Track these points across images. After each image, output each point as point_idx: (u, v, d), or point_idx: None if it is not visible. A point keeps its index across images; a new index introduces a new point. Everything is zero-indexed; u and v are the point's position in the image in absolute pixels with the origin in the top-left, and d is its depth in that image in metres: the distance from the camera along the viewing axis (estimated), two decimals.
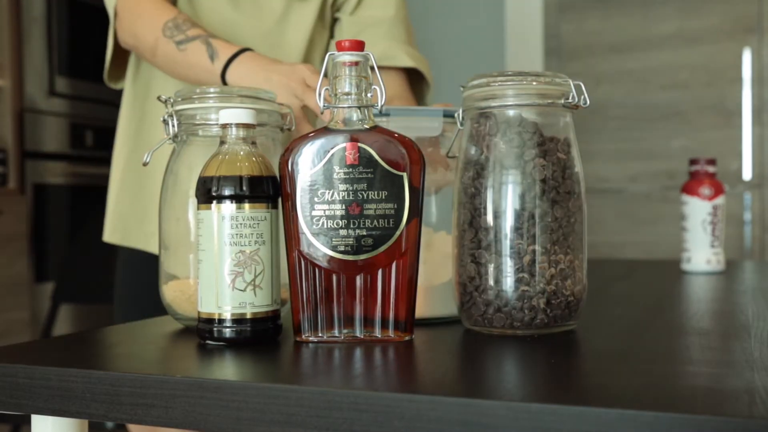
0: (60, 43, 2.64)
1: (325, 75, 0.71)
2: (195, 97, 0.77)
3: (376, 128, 0.68)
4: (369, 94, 0.68)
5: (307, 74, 1.03)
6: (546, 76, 0.72)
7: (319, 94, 0.69)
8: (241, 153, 0.69)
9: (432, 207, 0.82)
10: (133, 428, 1.17)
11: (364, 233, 0.67)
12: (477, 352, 0.66)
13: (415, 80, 1.32)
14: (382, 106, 0.69)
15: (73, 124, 2.67)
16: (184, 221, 0.78)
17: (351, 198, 0.67)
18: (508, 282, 0.70)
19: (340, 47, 0.68)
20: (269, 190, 0.68)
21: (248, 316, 0.67)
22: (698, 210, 1.33)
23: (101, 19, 1.27)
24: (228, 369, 0.60)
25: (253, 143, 0.70)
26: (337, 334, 0.68)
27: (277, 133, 0.82)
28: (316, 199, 0.67)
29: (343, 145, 0.67)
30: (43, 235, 2.57)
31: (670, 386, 0.52)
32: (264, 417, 0.53)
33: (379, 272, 0.67)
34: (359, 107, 0.68)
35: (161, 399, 0.55)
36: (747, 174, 2.77)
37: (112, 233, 1.30)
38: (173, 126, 0.78)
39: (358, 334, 0.68)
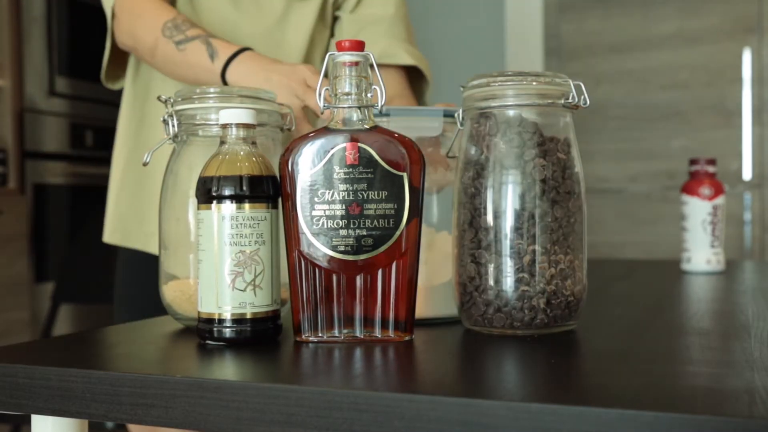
0: (60, 43, 2.64)
1: (326, 75, 0.71)
2: (195, 97, 0.77)
3: (376, 128, 0.68)
4: (369, 94, 0.68)
5: (307, 74, 1.03)
6: (546, 76, 0.72)
7: (320, 94, 0.69)
8: (241, 153, 0.69)
9: (433, 207, 0.82)
10: (133, 428, 1.17)
11: (364, 233, 0.67)
12: (477, 352, 0.66)
13: (414, 78, 1.32)
14: (382, 106, 0.69)
15: (73, 124, 2.67)
16: (184, 221, 0.78)
17: (351, 198, 0.67)
18: (508, 282, 0.70)
19: (340, 47, 0.68)
20: (269, 190, 0.68)
21: (248, 316, 0.67)
22: (698, 210, 1.33)
23: (101, 19, 1.27)
24: (228, 369, 0.60)
25: (253, 143, 0.70)
26: (337, 334, 0.68)
27: (277, 133, 0.82)
28: (316, 199, 0.67)
29: (343, 145, 0.67)
30: (43, 235, 2.57)
31: (670, 386, 0.52)
32: (264, 417, 0.53)
33: (379, 272, 0.67)
34: (359, 107, 0.68)
35: (161, 399, 0.55)
36: (747, 174, 2.77)
37: (112, 234, 1.30)
38: (173, 126, 0.78)
39: (358, 334, 0.68)
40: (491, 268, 0.71)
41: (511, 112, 0.72)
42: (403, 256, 0.67)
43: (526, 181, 0.71)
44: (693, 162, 1.37)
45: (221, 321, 0.67)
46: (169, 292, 0.78)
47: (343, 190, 0.67)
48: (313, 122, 1.20)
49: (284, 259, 0.69)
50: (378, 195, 0.67)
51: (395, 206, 0.67)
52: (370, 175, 0.66)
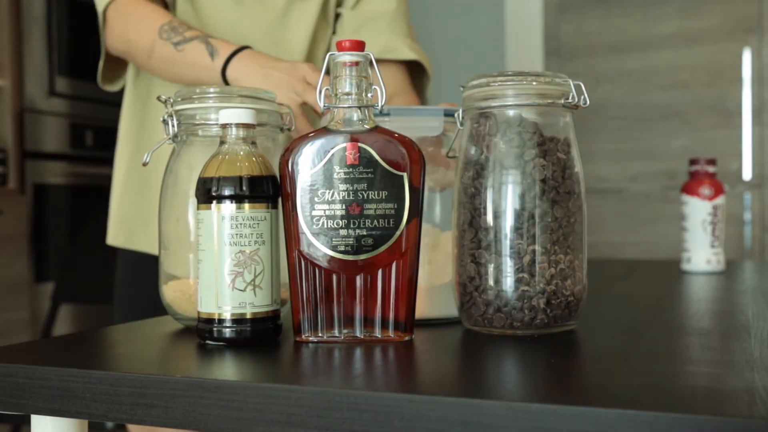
0: (60, 43, 2.64)
1: (327, 73, 0.71)
2: (195, 97, 0.77)
3: (376, 128, 0.68)
4: (369, 94, 0.68)
5: (307, 72, 1.03)
6: (546, 76, 0.72)
7: (320, 94, 0.69)
8: (241, 153, 0.69)
9: (437, 207, 0.82)
10: (133, 428, 1.17)
11: (364, 233, 0.67)
12: (477, 352, 0.66)
13: (416, 74, 1.32)
14: (382, 106, 0.69)
15: (73, 124, 2.67)
16: (184, 221, 0.78)
17: (351, 198, 0.67)
18: (508, 282, 0.70)
19: (340, 47, 0.68)
20: (269, 190, 0.68)
21: (248, 316, 0.67)
22: (698, 210, 1.33)
23: None
24: (228, 369, 0.60)
25: (253, 143, 0.70)
26: (337, 334, 0.68)
27: (277, 133, 0.82)
28: (316, 199, 0.67)
29: (344, 145, 0.67)
30: (43, 235, 2.57)
31: (670, 386, 0.52)
32: (264, 417, 0.53)
33: (379, 272, 0.67)
34: (359, 107, 0.68)
35: (161, 399, 0.55)
36: (747, 174, 2.77)
37: (115, 236, 1.30)
38: (173, 126, 0.78)
39: (358, 334, 0.68)
40: (491, 268, 0.71)
41: (511, 112, 0.72)
42: (403, 256, 0.67)
43: (526, 181, 0.71)
44: (693, 162, 1.37)
45: (221, 321, 0.67)
46: (169, 292, 0.78)
47: (343, 190, 0.66)
48: (313, 120, 1.20)
49: (284, 259, 0.69)
50: (378, 195, 0.67)
51: (395, 206, 0.67)
52: (370, 175, 0.66)
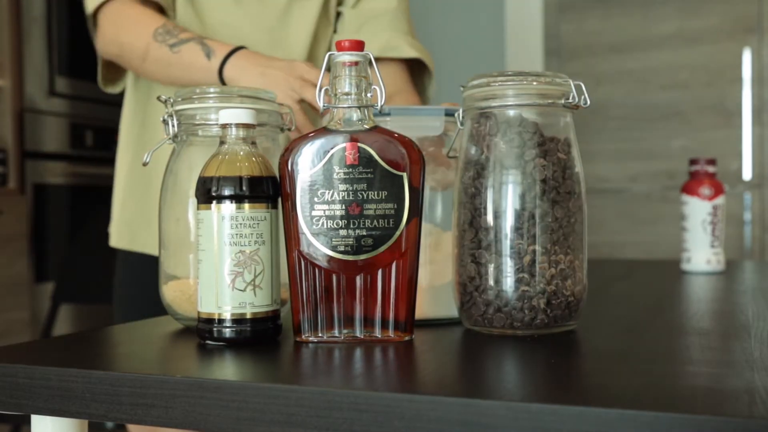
0: (60, 43, 2.64)
1: (327, 72, 0.71)
2: (195, 97, 0.77)
3: (375, 128, 0.68)
4: (369, 94, 0.68)
5: (304, 69, 1.03)
6: (546, 76, 0.72)
7: (320, 94, 0.69)
8: (241, 153, 0.69)
9: (438, 207, 0.82)
10: (133, 428, 1.17)
11: (364, 233, 0.67)
12: (477, 352, 0.66)
13: (417, 73, 1.32)
14: (381, 106, 0.69)
15: (73, 124, 2.67)
16: (184, 221, 0.78)
17: (351, 198, 0.66)
18: (509, 282, 0.70)
19: (339, 47, 0.68)
20: (269, 190, 0.68)
21: (248, 316, 0.67)
22: (698, 210, 1.33)
23: None
24: (228, 369, 0.60)
25: (253, 143, 0.70)
26: (337, 334, 0.68)
27: (277, 133, 0.82)
28: (316, 199, 0.67)
29: (343, 145, 0.67)
30: (43, 235, 2.57)
31: (670, 386, 0.52)
32: (264, 417, 0.53)
33: (379, 272, 0.67)
34: (359, 107, 0.68)
35: (161, 399, 0.55)
36: (747, 174, 2.77)
37: (119, 239, 1.30)
38: (173, 126, 0.78)
39: (358, 334, 0.68)
40: (491, 268, 0.71)
41: (511, 112, 0.72)
42: (403, 256, 0.67)
43: (527, 181, 0.71)
44: (693, 162, 1.37)
45: (221, 321, 0.67)
46: (169, 292, 0.78)
47: (343, 190, 0.66)
48: (314, 119, 1.20)
49: (284, 259, 0.69)
50: (378, 195, 0.67)
51: (395, 206, 0.67)
52: (369, 175, 0.66)
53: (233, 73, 1.07)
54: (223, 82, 1.09)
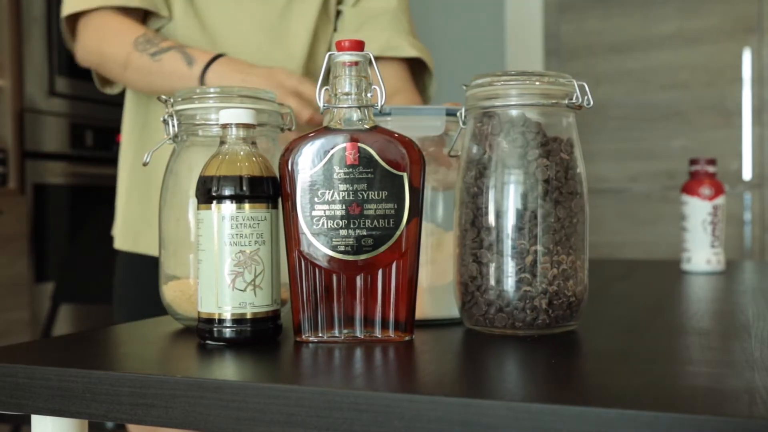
0: (60, 43, 2.64)
1: (327, 72, 0.71)
2: (195, 97, 0.77)
3: (376, 128, 0.68)
4: (369, 94, 0.68)
5: (283, 77, 1.05)
6: (550, 76, 0.72)
7: (319, 94, 0.69)
8: (241, 153, 0.69)
9: (439, 207, 0.82)
10: (133, 428, 1.17)
11: (365, 233, 0.67)
12: (477, 352, 0.66)
13: (417, 72, 1.32)
14: (382, 106, 0.69)
15: (73, 124, 2.67)
16: (184, 221, 0.78)
17: (351, 198, 0.66)
18: (510, 282, 0.70)
19: (339, 47, 0.68)
20: (269, 190, 0.68)
21: (248, 316, 0.67)
22: (698, 210, 1.33)
23: None
24: (228, 369, 0.60)
25: (253, 143, 0.70)
26: (337, 334, 0.68)
27: (277, 133, 0.82)
28: (316, 199, 0.67)
29: (343, 145, 0.67)
30: (43, 235, 2.57)
31: (670, 386, 0.52)
32: (264, 417, 0.53)
33: (380, 272, 0.67)
34: (359, 107, 0.68)
35: (161, 399, 0.55)
36: (747, 174, 2.77)
37: (123, 241, 1.30)
38: (173, 126, 0.78)
39: (358, 334, 0.68)
40: (493, 268, 0.71)
41: (514, 112, 0.72)
42: (403, 256, 0.67)
43: (529, 181, 0.71)
44: (693, 162, 1.37)
45: (221, 321, 0.67)
46: (169, 292, 0.78)
47: (343, 190, 0.66)
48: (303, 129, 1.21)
49: (284, 259, 0.69)
50: (378, 195, 0.67)
51: (395, 206, 0.67)
52: (370, 175, 0.66)
53: (214, 80, 1.08)
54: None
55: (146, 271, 1.19)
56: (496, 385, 0.54)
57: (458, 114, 0.77)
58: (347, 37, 1.20)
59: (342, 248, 0.67)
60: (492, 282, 0.71)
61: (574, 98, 0.72)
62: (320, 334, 0.68)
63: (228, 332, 0.67)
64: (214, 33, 1.23)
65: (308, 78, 1.21)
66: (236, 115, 0.69)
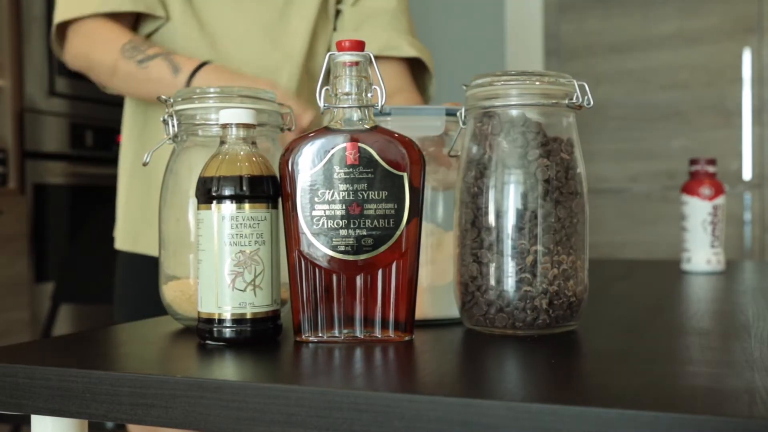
0: None
1: (327, 72, 0.71)
2: (195, 97, 0.77)
3: (376, 128, 0.68)
4: (369, 94, 0.68)
5: (269, 86, 1.05)
6: (550, 76, 0.72)
7: (320, 94, 0.69)
8: (241, 153, 0.69)
9: (439, 207, 0.82)
10: (133, 428, 1.17)
11: (365, 233, 0.67)
12: (477, 352, 0.66)
13: (417, 72, 1.32)
14: (382, 106, 0.69)
15: (73, 124, 2.67)
16: (184, 221, 0.78)
17: (351, 198, 0.66)
18: (511, 282, 0.70)
19: (340, 47, 0.68)
20: (269, 190, 0.68)
21: (248, 316, 0.67)
22: (698, 210, 1.33)
23: None
24: (228, 369, 0.60)
25: (253, 143, 0.70)
26: (337, 334, 0.68)
27: (277, 133, 0.82)
28: (316, 199, 0.67)
29: (344, 145, 0.67)
30: (43, 235, 2.56)
31: (670, 386, 0.52)
32: (264, 417, 0.53)
33: (380, 272, 0.67)
34: (359, 107, 0.68)
35: (161, 399, 0.55)
36: (747, 174, 2.77)
37: (123, 241, 1.30)
38: (173, 126, 0.78)
39: (358, 334, 0.68)
40: (493, 268, 0.71)
41: (514, 112, 0.72)
42: (403, 256, 0.67)
43: (530, 180, 0.70)
44: (693, 162, 1.37)
45: (221, 321, 0.67)
46: (169, 292, 0.78)
47: (343, 190, 0.66)
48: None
49: (284, 259, 0.69)
50: (378, 195, 0.67)
51: (395, 206, 0.67)
52: (370, 175, 0.66)
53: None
54: None
55: (146, 271, 1.19)
56: (496, 385, 0.54)
57: (458, 114, 0.77)
58: (346, 37, 1.21)
59: (342, 248, 0.67)
60: (492, 282, 0.71)
61: (574, 98, 0.72)
62: (320, 334, 0.68)
63: (228, 332, 0.67)
64: (212, 33, 1.23)
65: (291, 92, 1.23)
66: (236, 115, 0.69)
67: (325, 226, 0.67)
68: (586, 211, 0.74)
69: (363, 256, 0.67)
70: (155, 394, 0.56)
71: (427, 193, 0.79)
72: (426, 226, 0.79)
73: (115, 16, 1.20)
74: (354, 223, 0.66)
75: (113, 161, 1.34)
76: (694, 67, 2.81)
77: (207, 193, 0.68)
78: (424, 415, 0.49)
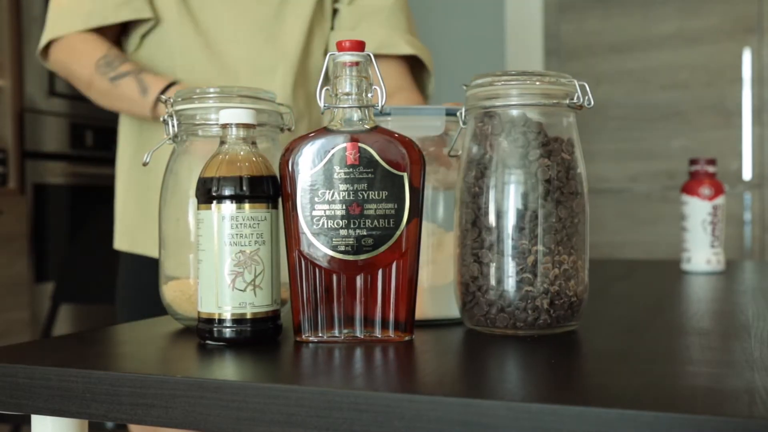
0: None
1: (327, 73, 0.71)
2: (195, 97, 0.77)
3: (376, 128, 0.68)
4: (369, 94, 0.68)
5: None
6: (550, 76, 0.72)
7: (320, 94, 0.69)
8: (241, 153, 0.69)
9: (440, 207, 0.82)
10: (134, 428, 1.17)
11: (365, 233, 0.67)
12: (477, 352, 0.66)
13: (416, 70, 1.32)
14: (382, 106, 0.69)
15: (73, 124, 2.67)
16: (184, 221, 0.78)
17: (351, 198, 0.66)
18: (512, 282, 0.70)
19: (340, 47, 0.68)
20: (269, 190, 0.68)
21: (248, 316, 0.67)
22: (698, 210, 1.33)
23: None
24: (228, 369, 0.60)
25: (253, 143, 0.70)
26: (337, 334, 0.68)
27: (277, 133, 0.82)
28: (316, 199, 0.67)
29: (344, 145, 0.67)
30: (43, 235, 2.56)
31: (670, 386, 0.52)
32: (264, 417, 0.53)
33: (380, 272, 0.67)
34: (360, 107, 0.68)
35: (161, 399, 0.55)
36: (747, 174, 2.77)
37: (121, 241, 1.30)
38: (173, 126, 0.78)
39: (358, 334, 0.68)
40: (494, 268, 0.71)
41: (515, 112, 0.72)
42: (403, 256, 0.67)
43: (531, 180, 0.70)
44: (693, 162, 1.37)
45: (221, 321, 0.67)
46: (169, 292, 0.78)
47: (344, 190, 0.66)
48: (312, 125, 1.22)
49: (284, 259, 0.69)
50: (378, 195, 0.67)
51: (395, 206, 0.67)
52: (370, 175, 0.66)
53: (164, 111, 1.11)
54: (155, 118, 1.16)
55: (148, 272, 1.19)
56: (496, 385, 0.54)
57: (458, 114, 0.77)
58: (344, 36, 1.21)
59: (342, 248, 0.67)
60: (493, 282, 0.71)
61: (575, 98, 0.72)
62: (320, 334, 0.68)
63: (228, 332, 0.67)
64: (207, 31, 1.23)
65: (288, 90, 1.25)
66: (236, 115, 0.69)
67: (325, 226, 0.67)
68: (586, 210, 0.74)
69: (363, 256, 0.67)
70: (155, 394, 0.56)
71: (428, 193, 0.79)
72: (427, 227, 0.79)
73: (98, 30, 1.22)
74: (354, 223, 0.66)
75: (113, 161, 1.34)
76: (694, 67, 2.81)
77: (207, 193, 0.68)
78: (424, 415, 0.49)
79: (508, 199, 0.71)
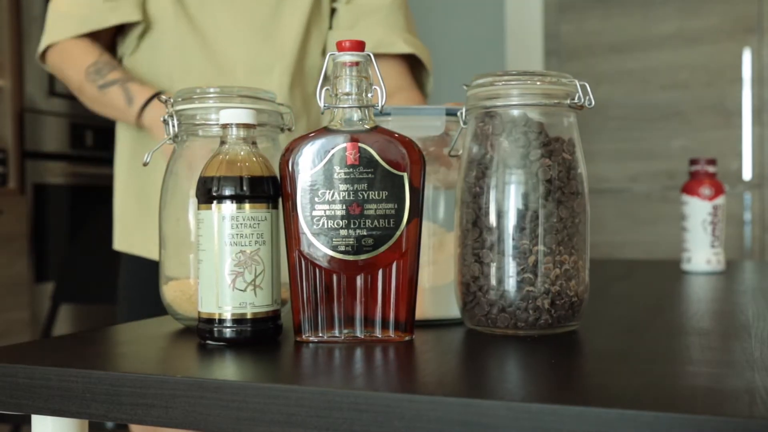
0: None
1: (326, 73, 0.71)
2: (195, 97, 0.77)
3: (376, 128, 0.68)
4: (369, 94, 0.68)
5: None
6: (551, 76, 0.72)
7: (320, 94, 0.69)
8: (242, 153, 0.69)
9: (441, 207, 0.82)
10: (135, 428, 1.17)
11: (365, 233, 0.67)
12: (477, 352, 0.66)
13: (415, 69, 1.32)
14: (382, 106, 0.69)
15: (73, 124, 2.67)
16: (184, 221, 0.78)
17: (351, 198, 0.66)
18: (513, 282, 0.70)
19: (340, 47, 0.68)
20: (269, 190, 0.68)
21: (248, 316, 0.67)
22: (698, 210, 1.33)
23: None
24: (228, 369, 0.60)
25: (254, 143, 0.70)
26: (337, 334, 0.68)
27: (277, 133, 0.82)
28: (316, 199, 0.67)
29: (344, 145, 0.67)
30: (43, 235, 2.56)
31: (670, 386, 0.52)
32: (264, 417, 0.53)
33: (380, 272, 0.67)
34: (360, 107, 0.68)
35: (161, 399, 0.55)
36: (747, 174, 2.77)
37: (120, 241, 1.30)
38: (173, 126, 0.78)
39: (358, 334, 0.68)
40: (495, 268, 0.71)
41: (516, 112, 0.72)
42: (403, 256, 0.67)
43: (531, 181, 0.70)
44: (693, 162, 1.37)
45: (221, 321, 0.67)
46: (170, 292, 0.78)
47: (344, 190, 0.66)
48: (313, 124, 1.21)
49: (284, 259, 0.69)
50: (378, 195, 0.67)
51: (395, 206, 0.67)
52: (370, 175, 0.66)
53: (149, 121, 1.15)
54: (143, 126, 1.17)
55: (148, 272, 1.19)
56: (496, 385, 0.54)
57: (459, 114, 0.77)
58: (342, 35, 1.20)
59: (342, 248, 0.67)
60: (494, 282, 0.71)
61: (575, 98, 0.72)
62: (320, 334, 0.68)
63: (228, 332, 0.67)
64: (204, 31, 1.22)
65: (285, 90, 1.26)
66: (236, 115, 0.69)
67: (326, 226, 0.67)
68: (587, 210, 0.74)
69: (363, 256, 0.67)
70: (155, 394, 0.56)
71: (428, 193, 0.79)
72: (428, 227, 0.79)
73: (91, 36, 1.24)
74: (354, 223, 0.66)
75: (113, 161, 1.34)
76: (694, 67, 2.81)
77: (207, 193, 0.68)
78: (424, 415, 0.49)
79: (509, 199, 0.71)
